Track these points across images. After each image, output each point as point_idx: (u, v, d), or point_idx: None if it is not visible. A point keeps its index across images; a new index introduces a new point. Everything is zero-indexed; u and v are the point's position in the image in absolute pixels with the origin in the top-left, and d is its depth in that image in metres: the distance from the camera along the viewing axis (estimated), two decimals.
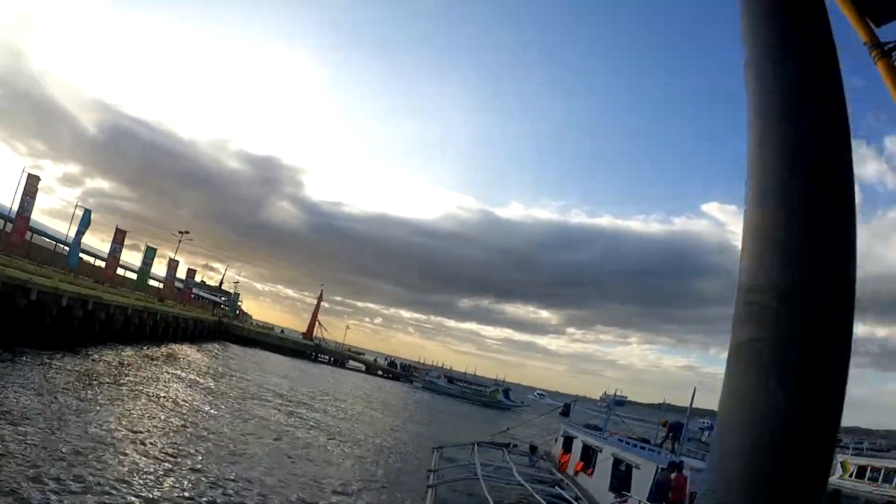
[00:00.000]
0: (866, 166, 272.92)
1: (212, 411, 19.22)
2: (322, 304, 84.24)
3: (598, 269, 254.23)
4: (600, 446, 15.97)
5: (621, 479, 13.86)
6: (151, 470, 11.19)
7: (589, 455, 16.70)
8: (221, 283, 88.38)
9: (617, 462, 14.43)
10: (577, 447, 17.95)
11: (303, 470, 14.56)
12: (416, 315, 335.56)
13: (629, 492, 12.71)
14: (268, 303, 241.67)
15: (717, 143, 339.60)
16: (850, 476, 27.84)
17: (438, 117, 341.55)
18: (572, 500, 13.33)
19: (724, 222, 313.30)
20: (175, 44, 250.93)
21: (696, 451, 16.62)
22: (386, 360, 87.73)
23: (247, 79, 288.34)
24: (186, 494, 10.41)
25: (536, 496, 12.40)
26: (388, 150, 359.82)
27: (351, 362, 72.34)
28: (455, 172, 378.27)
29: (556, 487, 15.09)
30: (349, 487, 14.21)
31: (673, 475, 11.55)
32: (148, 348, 32.30)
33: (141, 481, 10.35)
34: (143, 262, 46.56)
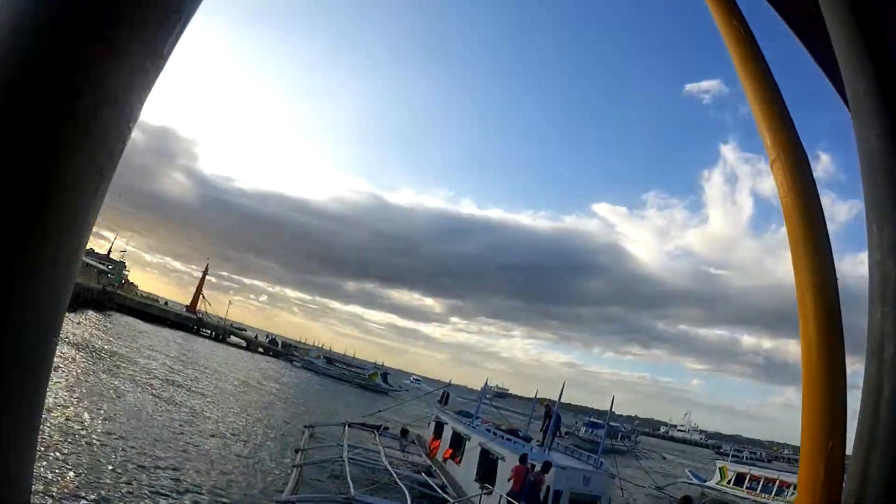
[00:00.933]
0: (764, 182, 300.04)
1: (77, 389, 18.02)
2: (208, 278, 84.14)
3: (485, 261, 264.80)
4: (469, 435, 16.01)
5: (488, 470, 13.88)
6: None
7: (458, 443, 16.72)
8: (110, 251, 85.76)
9: (484, 452, 14.45)
10: (447, 434, 18.00)
11: (164, 452, 13.92)
12: (301, 295, 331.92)
13: (494, 483, 12.78)
14: (155, 274, 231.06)
15: (610, 146, 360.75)
16: (729, 483, 28.54)
17: (335, 100, 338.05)
18: (436, 487, 13.45)
19: (613, 223, 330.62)
20: None
21: (570, 446, 16.35)
22: (267, 337, 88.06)
23: None
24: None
25: (399, 482, 12.37)
26: (285, 129, 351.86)
27: (232, 338, 72.57)
28: (349, 155, 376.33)
29: (423, 474, 15.08)
30: (214, 467, 13.99)
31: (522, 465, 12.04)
32: None
33: None
34: None
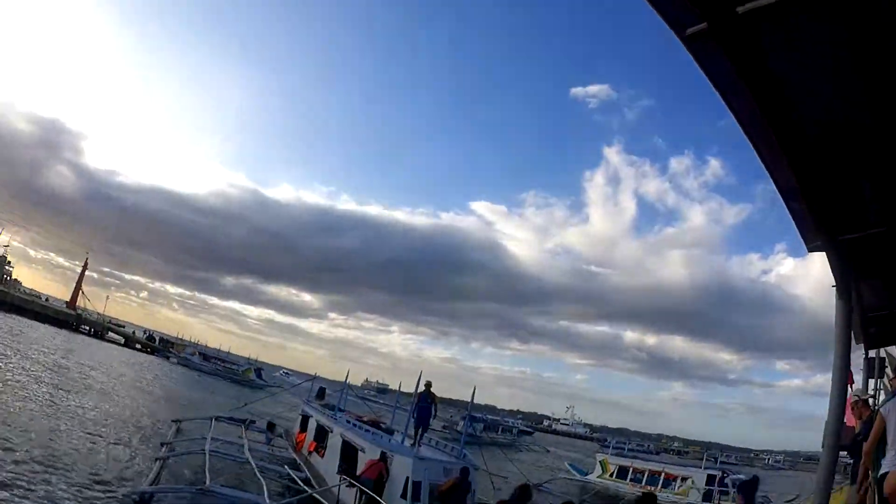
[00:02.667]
0: (649, 185, 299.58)
1: None
2: (91, 274, 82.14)
3: (363, 256, 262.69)
4: (332, 427, 15.85)
5: (349, 462, 13.73)
6: None
7: (323, 435, 16.55)
8: None
9: (346, 444, 14.32)
10: (311, 427, 17.90)
11: (27, 447, 13.46)
12: (181, 291, 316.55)
13: (355, 475, 12.52)
14: (40, 270, 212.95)
15: (490, 146, 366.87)
16: (611, 476, 27.54)
17: (216, 92, 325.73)
18: (297, 480, 13.43)
19: (492, 221, 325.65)
20: None
21: (439, 441, 15.71)
22: (145, 333, 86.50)
23: (36, 37, 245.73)
24: None
25: (258, 474, 12.36)
26: (168, 122, 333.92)
27: (110, 334, 71.70)
28: (229, 149, 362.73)
29: (286, 466, 14.95)
30: (77, 460, 13.71)
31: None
32: None
33: None
34: None
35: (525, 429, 74.06)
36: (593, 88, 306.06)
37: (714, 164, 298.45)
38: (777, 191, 2.35)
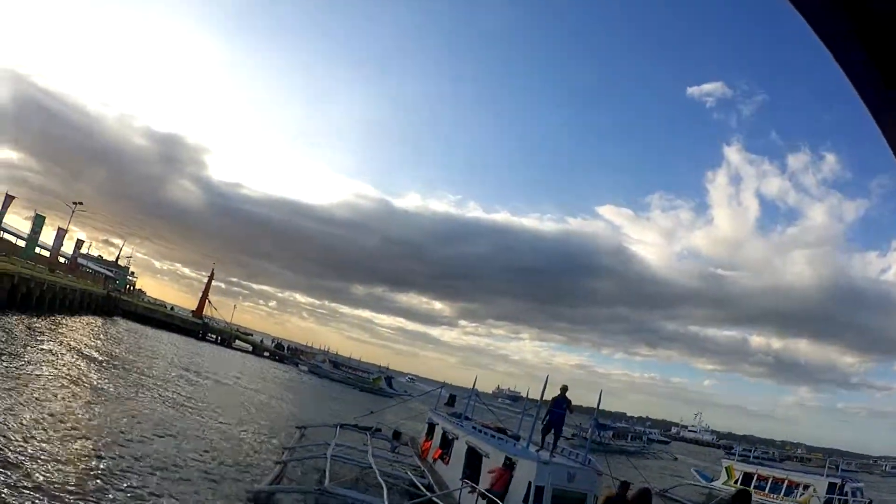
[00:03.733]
0: (769, 183, 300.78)
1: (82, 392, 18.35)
2: (218, 284, 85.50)
3: (492, 264, 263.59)
4: (457, 434, 15.74)
5: (473, 468, 13.75)
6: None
7: (448, 442, 16.48)
8: (118, 258, 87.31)
9: (470, 450, 14.30)
10: (437, 434, 17.83)
11: (160, 447, 14.08)
12: (310, 300, 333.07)
13: (479, 480, 12.68)
14: (166, 281, 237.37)
15: (612, 149, 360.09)
16: (736, 482, 27.34)
17: (339, 103, 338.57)
18: (420, 486, 13.34)
19: (619, 225, 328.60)
20: (86, 16, 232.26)
21: (567, 448, 14.68)
22: (273, 342, 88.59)
23: (156, 56, 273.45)
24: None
25: (380, 479, 12.40)
26: (290, 134, 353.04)
27: (237, 342, 72.81)
28: (354, 159, 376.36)
29: (408, 472, 15.16)
30: (204, 460, 14.16)
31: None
32: (34, 318, 32.78)
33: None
34: (32, 230, 46.61)
35: (662, 438, 72.70)
36: (708, 87, 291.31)
37: (830, 159, 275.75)
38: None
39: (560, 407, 13.70)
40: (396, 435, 20.18)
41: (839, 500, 23.25)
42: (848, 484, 24.60)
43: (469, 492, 12.02)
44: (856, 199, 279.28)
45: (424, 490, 13.03)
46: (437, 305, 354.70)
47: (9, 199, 42.85)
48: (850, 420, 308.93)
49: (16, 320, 29.03)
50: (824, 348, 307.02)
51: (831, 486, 23.79)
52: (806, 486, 24.67)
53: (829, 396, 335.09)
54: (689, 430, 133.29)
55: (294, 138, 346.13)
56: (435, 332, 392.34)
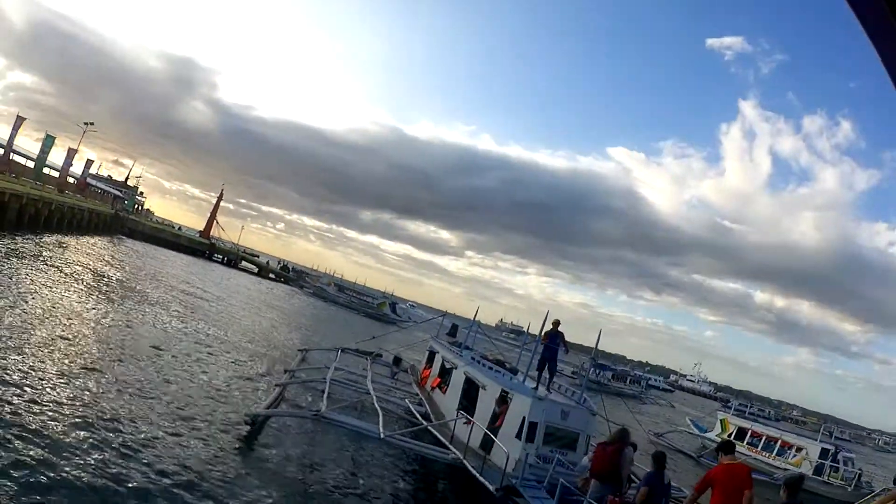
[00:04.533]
0: (783, 142, 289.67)
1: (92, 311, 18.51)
2: (227, 205, 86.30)
3: (503, 197, 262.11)
4: (456, 364, 15.54)
5: (470, 399, 13.66)
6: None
7: (446, 372, 16.39)
8: (127, 178, 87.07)
9: (468, 381, 14.14)
10: (437, 363, 17.66)
11: (173, 372, 14.11)
12: (318, 223, 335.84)
13: (474, 413, 12.68)
14: (174, 201, 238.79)
15: (629, 91, 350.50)
16: (729, 436, 26.24)
17: (355, 29, 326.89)
18: (416, 414, 13.56)
19: (629, 168, 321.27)
20: None
21: (568, 388, 14.21)
22: (279, 263, 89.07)
23: None
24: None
25: (377, 405, 12.55)
26: (304, 58, 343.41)
27: (244, 263, 73.29)
28: (368, 85, 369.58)
29: (406, 400, 15.38)
30: (206, 381, 14.26)
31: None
32: (41, 237, 33.04)
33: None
34: (41, 151, 46.30)
35: (666, 386, 77.72)
36: (728, 40, 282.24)
37: (845, 126, 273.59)
38: None
39: (554, 342, 13.37)
40: (397, 361, 20.19)
41: (831, 466, 23.16)
42: (841, 452, 24.51)
43: (464, 423, 12.00)
44: (868, 168, 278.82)
45: (420, 419, 13.20)
46: (445, 235, 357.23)
47: (20, 120, 42.57)
48: (847, 389, 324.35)
49: (21, 241, 29.18)
50: (827, 313, 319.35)
51: (824, 452, 23.73)
52: (799, 449, 24.74)
53: (828, 362, 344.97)
54: (688, 380, 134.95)
55: (310, 62, 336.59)
56: (441, 261, 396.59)
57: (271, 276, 73.50)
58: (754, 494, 6.50)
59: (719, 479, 6.65)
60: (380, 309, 61.64)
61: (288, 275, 76.82)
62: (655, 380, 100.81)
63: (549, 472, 10.04)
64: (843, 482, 22.73)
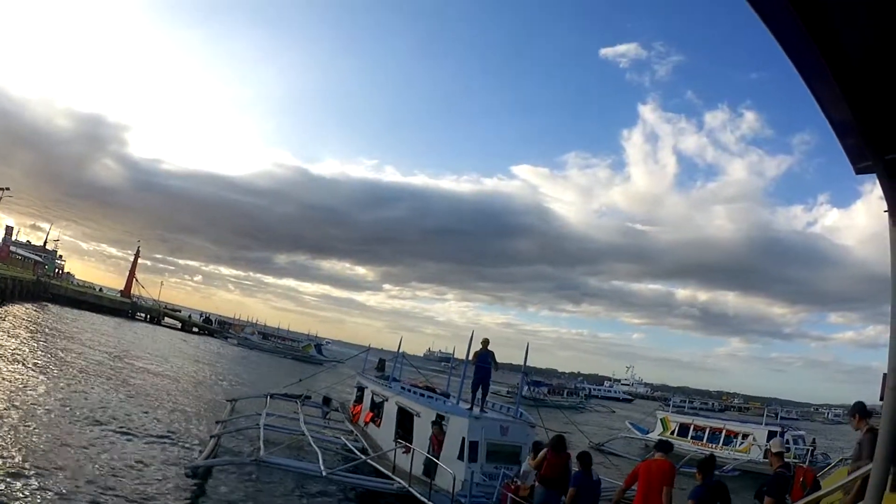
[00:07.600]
0: (687, 141, 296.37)
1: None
2: (144, 262, 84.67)
3: (412, 226, 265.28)
4: (386, 396, 15.62)
5: (405, 428, 13.64)
6: None
7: (378, 405, 16.42)
8: (45, 242, 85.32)
9: (401, 411, 14.18)
10: (367, 398, 17.79)
11: (87, 432, 13.79)
12: (235, 272, 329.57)
13: (412, 440, 12.57)
14: (93, 262, 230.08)
15: (526, 109, 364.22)
16: (672, 434, 26.82)
17: (256, 75, 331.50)
18: (354, 450, 13.75)
19: (535, 184, 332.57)
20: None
21: (502, 405, 14.97)
22: (202, 316, 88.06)
23: (72, 34, 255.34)
24: None
25: (314, 445, 12.63)
26: (207, 108, 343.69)
27: (166, 319, 72.67)
28: (271, 128, 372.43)
29: (341, 437, 15.45)
30: (135, 440, 14.07)
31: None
32: None
33: None
34: None
35: (626, 396, 76.77)
36: (622, 48, 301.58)
37: (749, 117, 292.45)
38: (820, 108, 2.08)
39: (485, 361, 13.19)
40: (326, 401, 20.29)
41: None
42: (788, 432, 24.70)
43: (403, 452, 11.98)
44: (777, 155, 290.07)
45: (359, 454, 13.32)
46: (361, 270, 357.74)
47: None
48: (785, 369, 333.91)
49: None
50: (752, 300, 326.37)
51: (771, 434, 23.05)
52: (745, 436, 24.95)
53: (761, 347, 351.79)
54: (623, 384, 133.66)
55: (210, 112, 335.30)
56: (360, 297, 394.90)
57: (195, 329, 73.04)
58: (673, 491, 6.72)
59: (641, 474, 7.01)
60: (305, 351, 63.34)
61: (211, 327, 76.70)
62: (597, 389, 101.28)
63: (497, 489, 10.22)
64: (796, 461, 22.38)
